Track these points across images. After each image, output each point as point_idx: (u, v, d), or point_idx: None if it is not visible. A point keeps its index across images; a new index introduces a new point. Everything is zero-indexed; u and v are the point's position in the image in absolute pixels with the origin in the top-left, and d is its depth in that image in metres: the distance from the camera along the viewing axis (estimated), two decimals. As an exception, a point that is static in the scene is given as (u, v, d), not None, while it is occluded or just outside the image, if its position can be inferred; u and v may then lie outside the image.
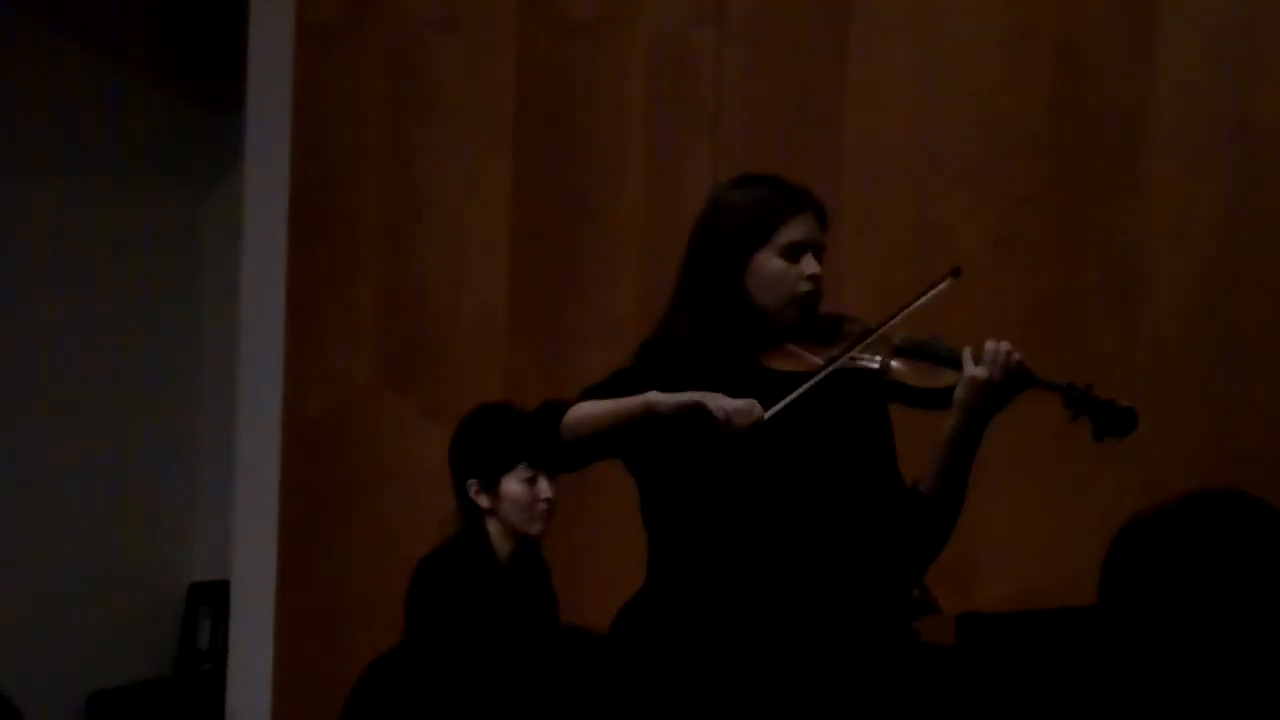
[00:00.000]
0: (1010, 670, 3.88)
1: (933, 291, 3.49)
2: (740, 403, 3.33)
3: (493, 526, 4.42)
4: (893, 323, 3.48)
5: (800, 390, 3.36)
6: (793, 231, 3.49)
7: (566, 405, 3.48)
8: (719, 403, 3.31)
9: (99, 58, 6.94)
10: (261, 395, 5.91)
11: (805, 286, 3.49)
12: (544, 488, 4.40)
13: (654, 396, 3.36)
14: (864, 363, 3.47)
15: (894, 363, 3.48)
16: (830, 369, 3.40)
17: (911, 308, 3.47)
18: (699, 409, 3.32)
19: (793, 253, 3.49)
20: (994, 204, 4.98)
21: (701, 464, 3.43)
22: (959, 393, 3.43)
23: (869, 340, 3.47)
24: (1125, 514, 2.38)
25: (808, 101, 5.25)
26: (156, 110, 7.10)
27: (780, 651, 3.43)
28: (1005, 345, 3.43)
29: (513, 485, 4.39)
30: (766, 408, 3.37)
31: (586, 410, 3.43)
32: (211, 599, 7.02)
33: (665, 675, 3.47)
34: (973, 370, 3.41)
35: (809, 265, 3.49)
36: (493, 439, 4.44)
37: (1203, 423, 4.63)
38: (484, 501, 4.42)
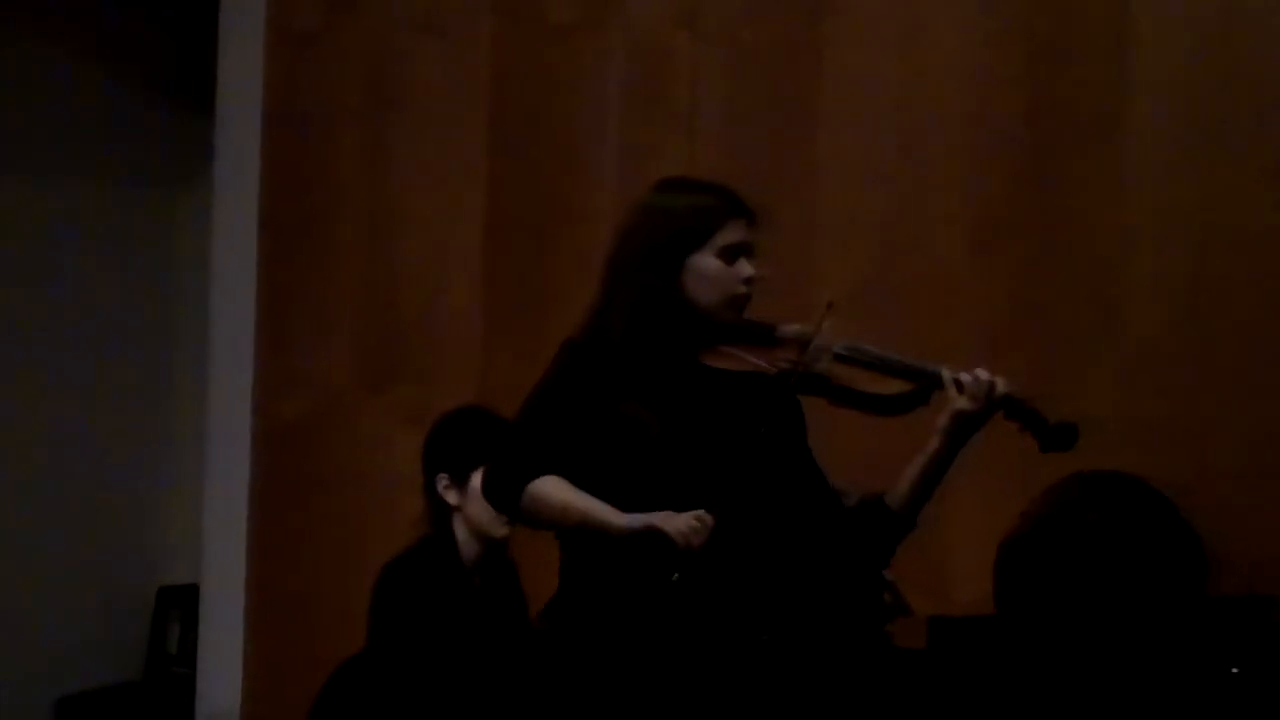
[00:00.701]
0: (983, 674, 3.86)
1: (823, 327, 3.57)
2: (690, 520, 3.35)
3: (460, 528, 4.40)
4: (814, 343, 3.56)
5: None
6: (730, 234, 3.58)
7: (529, 465, 3.50)
8: (674, 525, 3.35)
9: (71, 59, 6.92)
10: (232, 398, 5.89)
11: (741, 289, 3.58)
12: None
13: (611, 517, 3.42)
14: (813, 368, 3.56)
15: (839, 369, 3.58)
16: (766, 430, 3.44)
17: (812, 345, 3.55)
18: (655, 533, 3.36)
19: (730, 255, 3.58)
20: (972, 207, 4.96)
21: (646, 479, 3.46)
22: (943, 421, 3.56)
23: (808, 352, 3.56)
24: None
25: (784, 104, 5.23)
26: (130, 110, 7.08)
27: (744, 657, 3.42)
28: (986, 376, 3.54)
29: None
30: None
31: (547, 495, 3.46)
32: (181, 602, 6.99)
33: (619, 681, 3.46)
34: (960, 403, 3.53)
35: (744, 268, 3.58)
36: (468, 436, 4.43)
37: (1180, 426, 4.62)
38: (453, 498, 4.40)
